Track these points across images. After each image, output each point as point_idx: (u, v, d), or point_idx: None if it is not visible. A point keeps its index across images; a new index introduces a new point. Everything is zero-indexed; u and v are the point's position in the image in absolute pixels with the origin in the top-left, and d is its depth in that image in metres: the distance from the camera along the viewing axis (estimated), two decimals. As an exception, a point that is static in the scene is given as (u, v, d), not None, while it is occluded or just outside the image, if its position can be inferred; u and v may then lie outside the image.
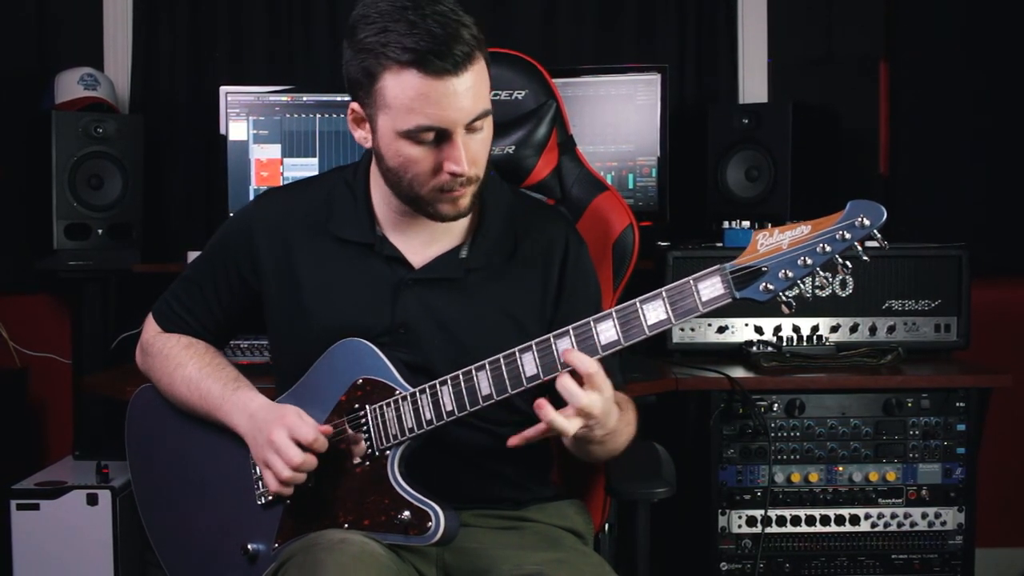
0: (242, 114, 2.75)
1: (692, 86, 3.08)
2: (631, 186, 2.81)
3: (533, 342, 1.40)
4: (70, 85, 2.86)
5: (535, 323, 1.57)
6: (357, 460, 1.50)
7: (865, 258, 1.30)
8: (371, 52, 1.43)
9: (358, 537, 1.43)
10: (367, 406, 1.49)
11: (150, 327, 1.74)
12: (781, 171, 2.72)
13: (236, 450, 1.58)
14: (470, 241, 1.59)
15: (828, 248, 1.29)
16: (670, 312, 1.35)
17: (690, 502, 2.44)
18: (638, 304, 1.36)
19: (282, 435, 1.48)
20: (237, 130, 2.75)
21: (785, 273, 1.31)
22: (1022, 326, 3.08)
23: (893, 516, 2.43)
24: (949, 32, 3.01)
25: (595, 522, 1.79)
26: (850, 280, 2.56)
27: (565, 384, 1.37)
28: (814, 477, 2.42)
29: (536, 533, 1.60)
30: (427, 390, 1.45)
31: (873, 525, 2.43)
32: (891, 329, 2.55)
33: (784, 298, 1.32)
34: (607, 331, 1.36)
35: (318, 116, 2.76)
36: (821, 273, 1.31)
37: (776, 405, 2.42)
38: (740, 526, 2.43)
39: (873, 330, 2.55)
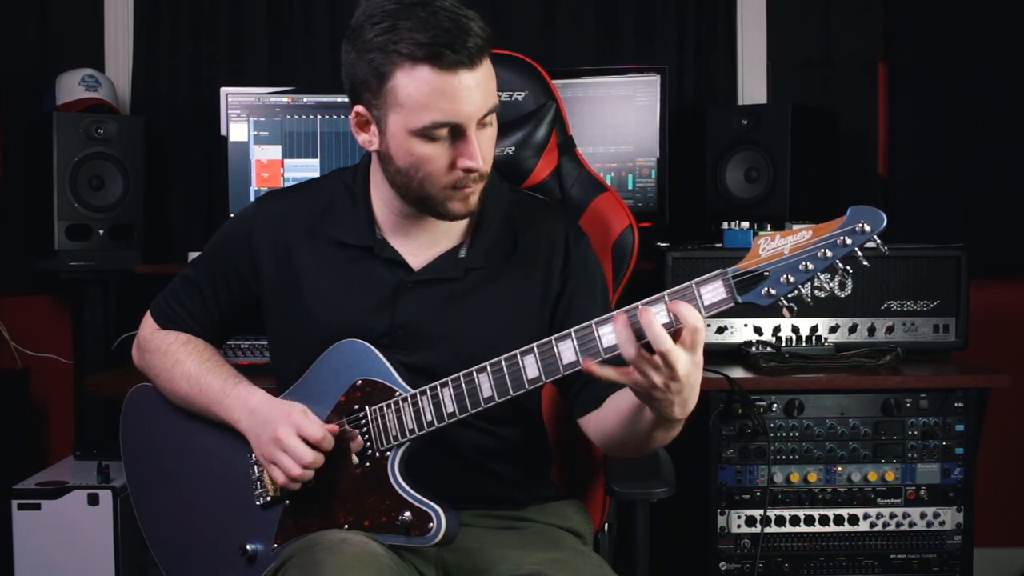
0: (243, 115, 2.75)
1: (691, 87, 3.09)
2: (630, 187, 2.82)
3: (535, 344, 1.39)
4: (71, 86, 2.87)
5: (536, 321, 1.58)
6: (356, 459, 1.50)
7: (865, 263, 1.31)
8: (381, 50, 1.43)
9: (358, 537, 1.43)
10: (367, 407, 1.49)
11: (147, 324, 1.74)
12: (780, 172, 2.73)
13: (234, 450, 1.58)
14: (469, 241, 1.59)
15: (829, 253, 1.29)
16: (672, 316, 1.35)
17: (689, 502, 2.44)
18: (640, 308, 1.36)
19: (289, 432, 1.48)
20: (238, 131, 2.76)
21: (787, 278, 1.31)
22: (1020, 327, 3.09)
23: (892, 516, 2.43)
24: (947, 33, 3.02)
25: (595, 522, 1.79)
26: (849, 281, 2.56)
27: (650, 322, 1.27)
28: (813, 477, 2.43)
29: (536, 533, 1.61)
30: (428, 391, 1.45)
31: (872, 525, 2.43)
32: (890, 329, 2.56)
33: (785, 303, 1.32)
34: (609, 334, 1.35)
35: (318, 117, 2.76)
36: (823, 277, 1.31)
37: (775, 405, 2.42)
38: (739, 526, 2.44)
39: (872, 331, 2.56)
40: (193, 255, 2.60)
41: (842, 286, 2.56)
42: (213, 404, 1.60)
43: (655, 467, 1.83)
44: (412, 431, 1.46)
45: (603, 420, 1.55)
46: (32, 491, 2.61)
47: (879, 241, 1.29)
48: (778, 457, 2.43)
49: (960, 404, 2.42)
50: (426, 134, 1.44)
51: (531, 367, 1.40)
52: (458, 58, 1.40)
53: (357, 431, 1.50)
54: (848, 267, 1.30)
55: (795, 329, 2.56)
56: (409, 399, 1.46)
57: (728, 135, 2.79)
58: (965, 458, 2.42)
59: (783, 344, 2.53)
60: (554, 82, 1.98)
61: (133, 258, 2.83)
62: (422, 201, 1.52)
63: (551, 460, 1.74)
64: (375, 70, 1.44)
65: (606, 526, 1.91)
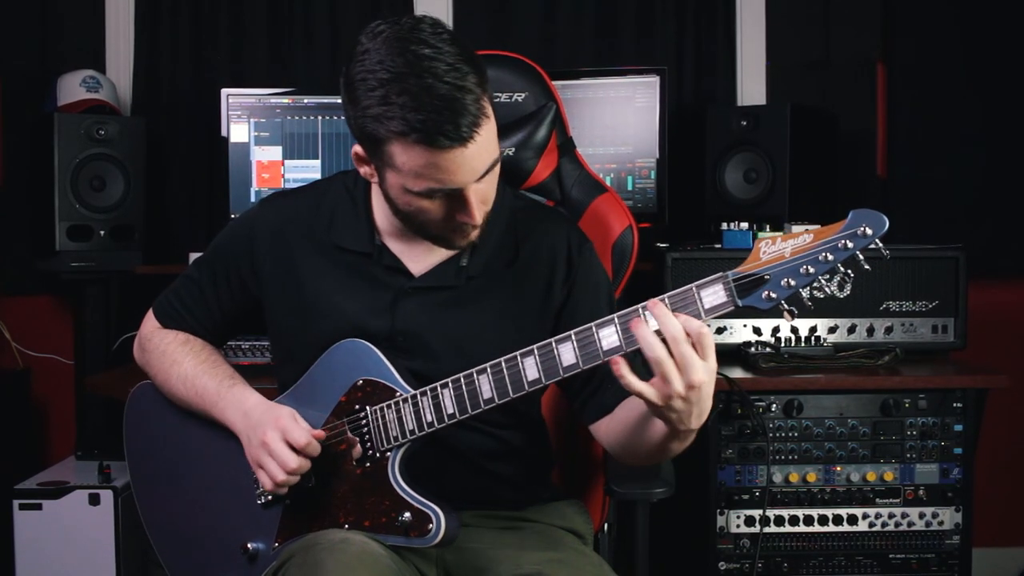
0: (243, 116, 2.76)
1: (691, 88, 3.09)
2: (630, 188, 2.82)
3: (535, 346, 1.39)
4: (72, 88, 2.88)
5: (537, 329, 1.56)
6: (356, 462, 1.51)
7: (867, 267, 1.30)
8: (375, 119, 1.39)
9: (359, 537, 1.43)
10: (367, 407, 1.50)
11: (149, 322, 1.75)
12: (779, 173, 2.73)
13: (235, 449, 1.59)
14: (470, 249, 1.59)
15: (830, 257, 1.29)
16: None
17: (689, 502, 2.45)
18: (640, 310, 1.35)
19: (275, 437, 1.48)
20: (238, 132, 2.76)
21: (787, 282, 1.30)
22: (1019, 327, 3.09)
23: (891, 516, 2.44)
24: (946, 34, 3.02)
25: (594, 522, 1.79)
26: (849, 284, 2.56)
27: (672, 329, 1.26)
28: (812, 477, 2.43)
29: (536, 533, 1.61)
30: (428, 392, 1.45)
31: (871, 525, 2.44)
32: (888, 330, 2.56)
33: (786, 306, 1.32)
34: (609, 336, 1.35)
35: (319, 118, 2.77)
36: (824, 280, 1.31)
37: (774, 406, 2.43)
38: (738, 526, 2.44)
39: (871, 331, 2.56)
40: (194, 256, 2.59)
41: (841, 287, 2.56)
42: (209, 406, 1.61)
43: (655, 467, 1.84)
44: (412, 432, 1.46)
45: (616, 428, 1.55)
46: (33, 491, 2.62)
47: (881, 244, 1.28)
48: (777, 457, 2.43)
49: (959, 404, 2.42)
50: (422, 195, 1.43)
51: (531, 369, 1.40)
52: (451, 143, 1.37)
53: (358, 439, 1.50)
54: (849, 271, 1.30)
55: (794, 330, 2.56)
56: (409, 400, 1.47)
57: (727, 136, 2.80)
58: (964, 458, 2.43)
59: (782, 344, 2.54)
60: (554, 83, 1.99)
61: (134, 259, 2.84)
62: (423, 235, 1.53)
63: (552, 462, 1.74)
64: (370, 134, 1.42)
65: (606, 526, 1.91)
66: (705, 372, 1.28)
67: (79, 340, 2.94)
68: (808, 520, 2.43)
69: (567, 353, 1.38)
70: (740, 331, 2.57)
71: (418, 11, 3.07)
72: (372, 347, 1.52)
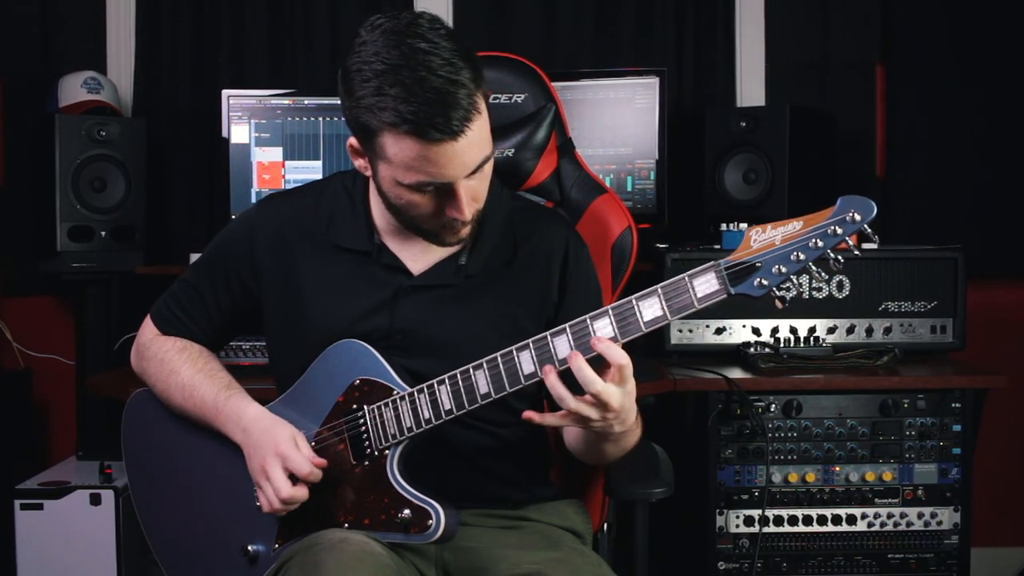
0: (244, 117, 2.77)
1: (690, 89, 3.10)
2: (629, 188, 2.83)
3: (530, 340, 1.41)
4: (73, 89, 2.88)
5: (535, 328, 1.55)
6: (354, 459, 1.51)
7: (856, 252, 1.32)
8: (368, 110, 1.41)
9: (358, 537, 1.43)
10: (365, 406, 1.50)
11: (147, 329, 1.74)
12: (778, 174, 2.74)
13: (233, 452, 1.59)
14: (469, 248, 1.59)
15: (820, 243, 1.30)
16: (666, 308, 1.36)
17: (688, 502, 2.45)
18: (634, 301, 1.37)
19: (275, 464, 1.49)
20: (239, 133, 2.77)
21: (779, 268, 1.31)
22: (1017, 327, 3.10)
23: (889, 516, 2.44)
24: (945, 36, 3.03)
25: (594, 522, 1.79)
26: (847, 282, 2.57)
27: (580, 367, 1.35)
28: (811, 477, 2.44)
29: (535, 532, 1.61)
30: (425, 389, 1.46)
31: (870, 525, 2.45)
32: (887, 330, 2.57)
33: (778, 293, 1.33)
34: (604, 328, 1.37)
35: (320, 119, 2.77)
36: (814, 268, 1.31)
37: (773, 406, 2.43)
38: (738, 526, 2.45)
39: (869, 331, 2.57)
40: (195, 256, 2.60)
41: (840, 286, 2.57)
42: (207, 418, 1.61)
43: (654, 467, 1.84)
44: (410, 429, 1.47)
45: (569, 430, 1.60)
46: (34, 491, 2.62)
47: (869, 230, 1.29)
48: (776, 457, 2.44)
49: (957, 404, 2.43)
50: (413, 188, 1.45)
51: (527, 363, 1.41)
52: (442, 136, 1.38)
53: (345, 445, 1.51)
54: (840, 257, 1.30)
55: (793, 330, 2.57)
56: (407, 397, 1.47)
57: (726, 137, 2.80)
58: (962, 458, 2.44)
59: (781, 345, 2.54)
60: (553, 84, 1.99)
61: (135, 259, 2.84)
62: (414, 230, 1.54)
63: (551, 460, 1.75)
64: (363, 125, 1.43)
65: (605, 526, 1.91)
66: (623, 396, 1.37)
67: (80, 340, 2.94)
68: (807, 520, 2.44)
69: (562, 346, 1.39)
70: (739, 332, 2.58)
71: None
72: (368, 347, 1.52)
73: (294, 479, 1.49)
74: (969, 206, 3.02)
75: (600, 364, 1.36)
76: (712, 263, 1.34)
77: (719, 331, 2.58)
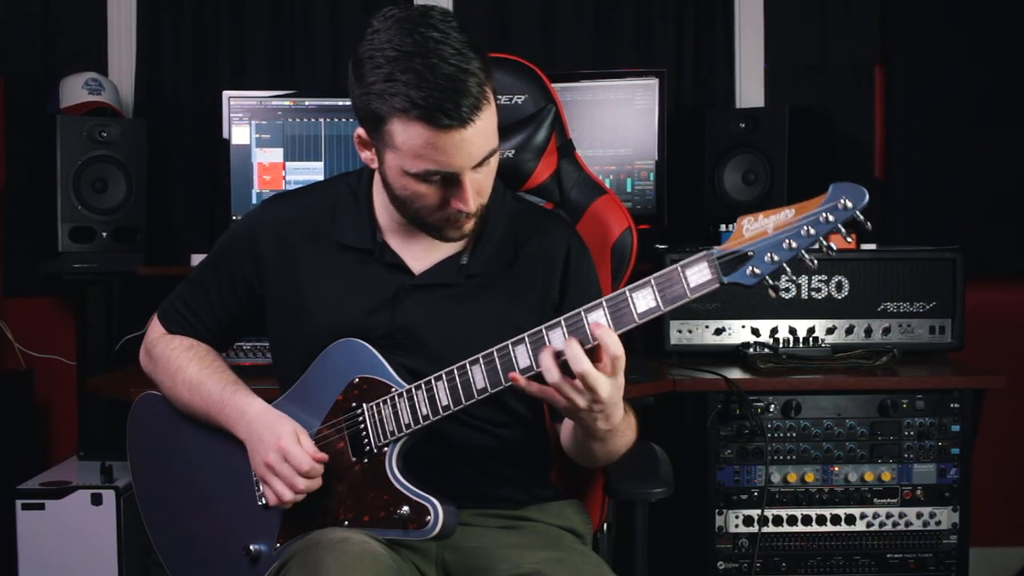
0: (245, 118, 2.77)
1: (689, 91, 3.11)
2: (629, 189, 2.83)
3: (526, 334, 1.41)
4: (75, 90, 2.89)
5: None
6: (354, 456, 1.52)
7: (848, 240, 1.31)
8: (378, 96, 1.42)
9: (359, 536, 1.44)
10: (364, 404, 1.51)
11: (155, 329, 1.76)
12: (777, 175, 2.75)
13: (236, 452, 1.60)
14: (471, 248, 1.60)
15: (812, 231, 1.29)
16: (659, 299, 1.35)
17: (688, 502, 2.46)
18: (628, 293, 1.37)
19: (279, 459, 1.50)
20: (240, 134, 2.77)
21: (771, 256, 1.31)
22: (1016, 328, 3.10)
23: (888, 516, 2.45)
24: (943, 37, 3.04)
25: (594, 522, 1.80)
26: (845, 282, 2.58)
27: (571, 346, 1.34)
28: (810, 477, 2.45)
29: (535, 532, 1.62)
30: (422, 386, 1.47)
31: (868, 525, 2.45)
32: (886, 331, 2.58)
33: (771, 282, 1.33)
34: (598, 319, 1.37)
35: (320, 120, 2.78)
36: (807, 257, 1.31)
37: (773, 406, 2.44)
38: (737, 526, 2.46)
39: (868, 332, 2.57)
40: (196, 257, 2.62)
41: (839, 287, 2.57)
42: (212, 412, 1.62)
43: (653, 467, 1.85)
44: (408, 425, 1.48)
45: (564, 429, 1.60)
46: (36, 491, 2.62)
47: (861, 217, 1.29)
48: (775, 457, 2.44)
49: (956, 405, 2.44)
50: (420, 177, 1.45)
51: (522, 356, 1.41)
52: (451, 122, 1.39)
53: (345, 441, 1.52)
54: (832, 244, 1.30)
55: (792, 330, 2.58)
56: (404, 394, 1.48)
57: (726, 138, 2.81)
58: (961, 458, 2.44)
59: (780, 345, 2.55)
60: (553, 85, 1.99)
61: (136, 260, 2.85)
62: (417, 224, 1.55)
63: (551, 461, 1.75)
64: (373, 112, 1.44)
65: (605, 526, 1.92)
66: (612, 387, 1.36)
67: (81, 341, 2.95)
68: (806, 520, 2.44)
69: (557, 340, 1.39)
70: (739, 332, 2.59)
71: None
72: (367, 345, 1.53)
73: None
74: (968, 207, 3.03)
75: (593, 357, 1.36)
76: (704, 252, 1.34)
77: (718, 331, 2.59)
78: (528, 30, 3.12)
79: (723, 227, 2.57)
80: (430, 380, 1.46)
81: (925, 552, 2.46)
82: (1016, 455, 3.10)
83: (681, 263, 1.34)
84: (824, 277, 2.55)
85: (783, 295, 1.29)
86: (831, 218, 1.28)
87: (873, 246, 2.58)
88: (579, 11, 3.12)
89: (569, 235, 1.68)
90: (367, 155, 1.54)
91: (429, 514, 1.45)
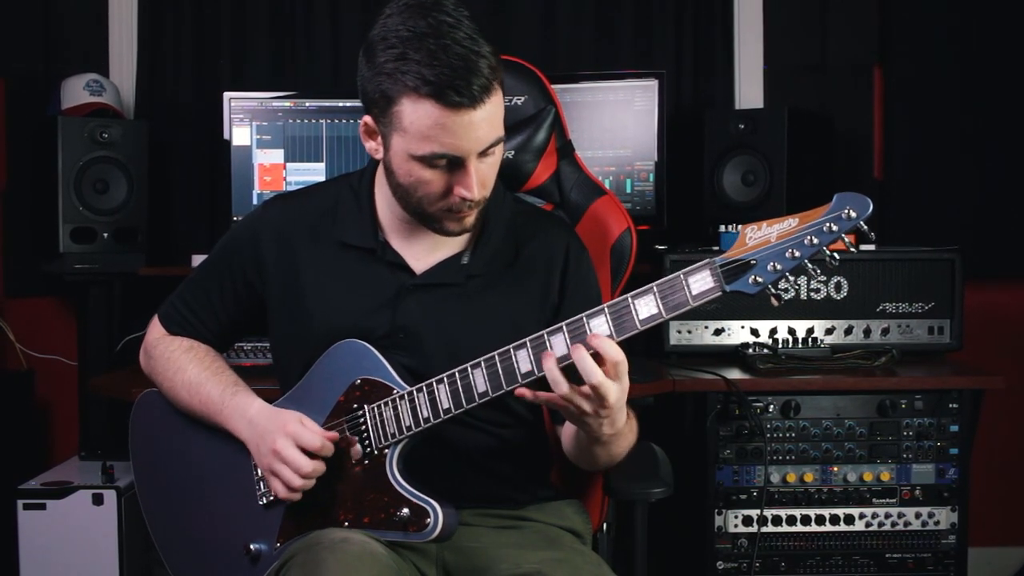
0: (245, 119, 2.78)
1: (689, 92, 3.11)
2: (629, 190, 2.84)
3: (527, 339, 1.41)
4: (76, 91, 2.89)
5: (534, 329, 1.55)
6: (355, 461, 1.52)
7: (852, 250, 1.31)
8: (389, 76, 1.43)
9: (359, 536, 1.45)
10: (365, 406, 1.51)
11: (155, 329, 1.76)
12: (777, 176, 2.75)
13: (237, 451, 1.60)
14: (472, 248, 1.61)
15: (816, 240, 1.30)
16: (661, 306, 1.36)
17: (687, 502, 2.46)
18: (630, 299, 1.37)
19: (287, 444, 1.50)
20: (240, 135, 2.78)
21: (774, 266, 1.32)
22: (1015, 328, 3.11)
23: (887, 516, 2.45)
24: (943, 38, 3.04)
25: (593, 522, 1.80)
26: (844, 283, 2.59)
27: (583, 357, 1.36)
28: (809, 477, 2.45)
29: (535, 532, 1.62)
30: (424, 388, 1.47)
31: (867, 525, 2.46)
32: (885, 331, 2.58)
33: (773, 291, 1.33)
34: (600, 326, 1.38)
35: (321, 121, 2.78)
36: (810, 266, 1.31)
37: (772, 406, 2.44)
38: (736, 526, 2.46)
39: (867, 332, 2.58)
40: (197, 258, 2.62)
41: (838, 287, 2.58)
42: (213, 414, 1.62)
43: (653, 467, 1.85)
44: (409, 428, 1.48)
45: (565, 434, 1.61)
46: (37, 491, 2.63)
47: (866, 227, 1.29)
48: (775, 457, 2.45)
49: (955, 405, 2.44)
50: (425, 161, 1.46)
51: (524, 361, 1.42)
52: (462, 100, 1.40)
53: (356, 438, 1.52)
54: (836, 255, 1.31)
55: (791, 331, 2.58)
56: (406, 396, 1.48)
57: (725, 139, 2.81)
58: (960, 458, 2.45)
59: (779, 346, 2.55)
60: (553, 87, 2.00)
61: (137, 261, 2.85)
62: (419, 215, 1.55)
63: (551, 461, 1.75)
64: (383, 93, 1.45)
65: (605, 526, 1.92)
66: (619, 392, 1.38)
67: (82, 341, 2.96)
68: (805, 520, 2.45)
69: (559, 345, 1.40)
70: (738, 332, 2.59)
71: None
72: (369, 347, 1.53)
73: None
74: (967, 208, 3.03)
75: (596, 362, 1.37)
76: (707, 260, 1.35)
77: (718, 332, 2.59)
78: (528, 31, 3.12)
79: (723, 228, 2.57)
80: (431, 383, 1.47)
81: (924, 552, 2.46)
82: (1015, 455, 3.10)
83: (684, 271, 1.35)
84: (823, 278, 2.56)
85: (782, 296, 1.29)
86: (835, 228, 1.29)
87: (872, 247, 2.58)
88: (579, 12, 3.12)
89: (568, 236, 1.69)
90: (372, 144, 1.54)
91: (429, 516, 1.46)
